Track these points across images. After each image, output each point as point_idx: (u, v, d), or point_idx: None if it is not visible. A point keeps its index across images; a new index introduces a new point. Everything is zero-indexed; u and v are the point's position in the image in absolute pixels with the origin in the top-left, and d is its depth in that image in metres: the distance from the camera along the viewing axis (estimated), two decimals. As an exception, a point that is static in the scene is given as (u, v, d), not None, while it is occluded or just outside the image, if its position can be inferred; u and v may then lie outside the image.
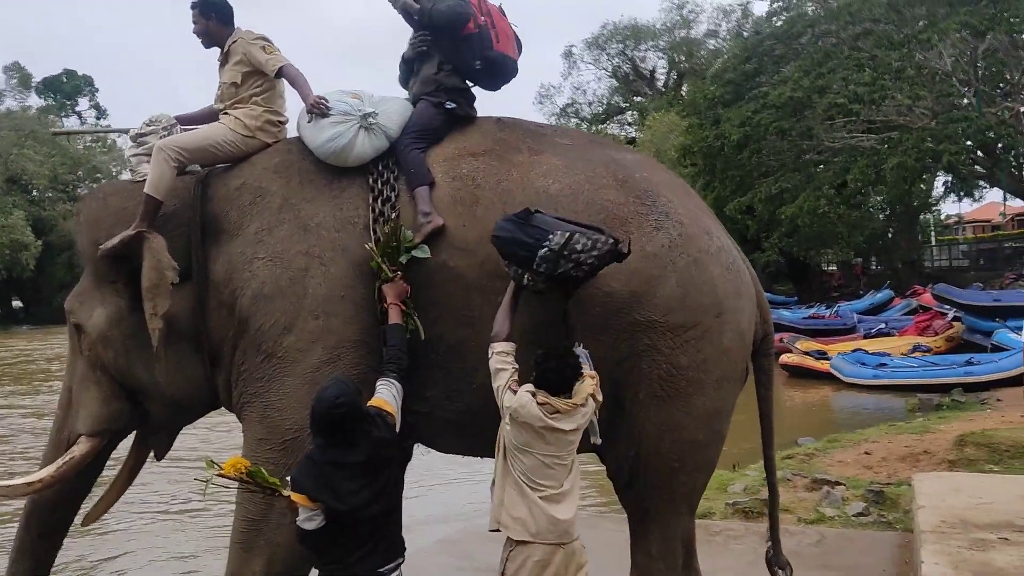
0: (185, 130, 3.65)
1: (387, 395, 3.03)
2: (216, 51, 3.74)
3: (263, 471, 2.76)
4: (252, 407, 3.40)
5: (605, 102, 42.09)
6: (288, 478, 2.84)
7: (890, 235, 29.90)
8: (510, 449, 3.05)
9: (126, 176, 3.77)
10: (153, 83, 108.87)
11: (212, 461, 2.76)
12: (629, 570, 3.53)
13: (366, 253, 3.30)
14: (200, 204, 3.50)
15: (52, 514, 3.67)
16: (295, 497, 2.75)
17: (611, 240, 3.04)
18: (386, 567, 2.87)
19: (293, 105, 3.74)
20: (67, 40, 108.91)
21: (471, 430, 3.47)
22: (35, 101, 51.27)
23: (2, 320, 42.48)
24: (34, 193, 43.66)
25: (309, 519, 2.76)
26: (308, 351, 3.30)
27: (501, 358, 3.06)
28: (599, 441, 3.21)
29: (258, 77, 3.63)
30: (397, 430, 3.00)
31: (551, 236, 2.99)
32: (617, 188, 3.39)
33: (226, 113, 3.63)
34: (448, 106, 3.61)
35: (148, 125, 3.61)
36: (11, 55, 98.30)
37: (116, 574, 6.56)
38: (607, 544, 4.07)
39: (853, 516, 5.95)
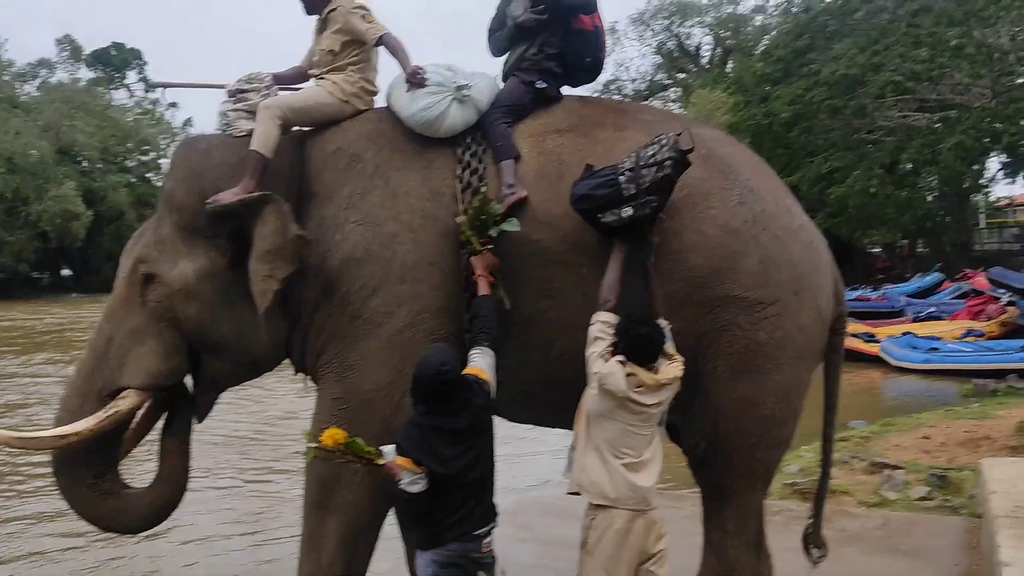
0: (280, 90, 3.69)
1: (483, 363, 3.07)
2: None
3: (359, 441, 2.79)
4: (331, 366, 3.42)
5: (648, 79, 41.61)
6: (382, 448, 2.88)
7: (939, 217, 29.21)
8: (593, 416, 3.06)
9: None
10: (199, 56, 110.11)
11: (311, 433, 2.79)
12: (689, 546, 3.53)
13: (453, 222, 3.32)
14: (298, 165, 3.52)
15: (92, 458, 3.45)
16: (400, 461, 2.80)
17: (669, 135, 3.13)
18: (480, 530, 2.93)
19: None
20: (116, 13, 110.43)
21: (540, 400, 3.50)
22: (85, 73, 52.11)
23: (52, 288, 43.50)
24: (84, 164, 44.39)
25: (413, 482, 2.81)
26: (393, 314, 3.33)
27: (602, 327, 3.06)
28: (661, 427, 3.22)
29: (356, 46, 3.64)
30: (493, 397, 3.05)
31: (620, 164, 3.16)
32: (700, 163, 3.34)
33: (322, 78, 3.66)
34: (539, 85, 3.62)
35: (247, 83, 3.63)
36: (62, 28, 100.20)
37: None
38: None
39: (916, 500, 5.87)
